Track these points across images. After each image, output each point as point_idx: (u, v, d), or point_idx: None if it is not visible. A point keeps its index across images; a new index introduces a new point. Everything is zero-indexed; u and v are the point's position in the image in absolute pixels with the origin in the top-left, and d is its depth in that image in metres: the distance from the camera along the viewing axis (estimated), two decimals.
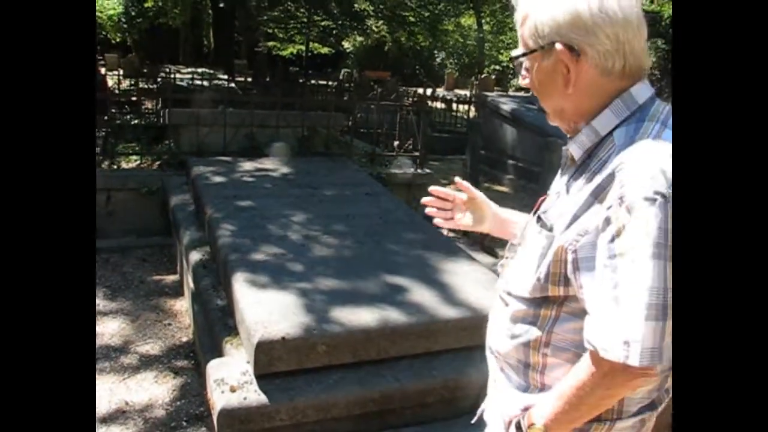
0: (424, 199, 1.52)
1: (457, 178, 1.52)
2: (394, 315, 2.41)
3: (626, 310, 0.94)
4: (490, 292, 2.63)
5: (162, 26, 17.76)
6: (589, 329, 1.01)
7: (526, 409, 1.14)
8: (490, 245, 4.56)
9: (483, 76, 20.45)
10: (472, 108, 10.78)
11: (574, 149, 1.12)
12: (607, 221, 0.98)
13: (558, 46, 1.05)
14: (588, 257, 1.01)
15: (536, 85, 1.13)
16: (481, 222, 1.49)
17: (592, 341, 0.99)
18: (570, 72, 1.06)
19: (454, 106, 12.40)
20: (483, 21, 22.73)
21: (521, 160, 7.91)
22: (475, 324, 2.51)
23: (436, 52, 24.34)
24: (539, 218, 1.15)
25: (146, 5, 14.16)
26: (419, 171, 5.83)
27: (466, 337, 2.49)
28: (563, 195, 1.13)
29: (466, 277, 2.86)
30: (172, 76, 11.57)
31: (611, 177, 1.00)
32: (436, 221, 1.52)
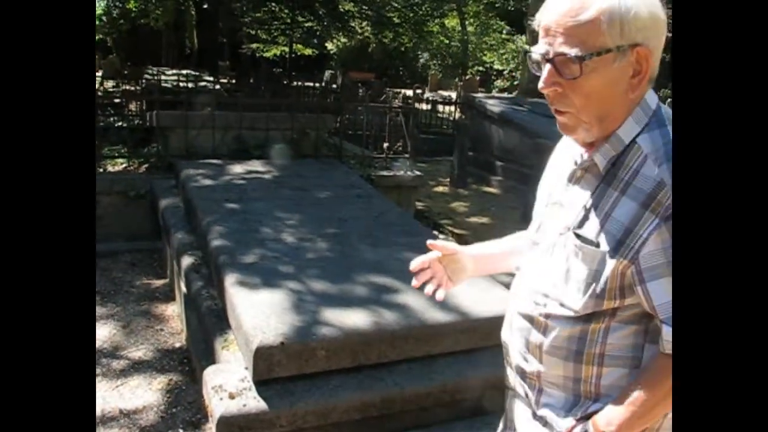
0: (415, 283, 1.43)
1: (429, 241, 1.42)
2: (393, 318, 2.40)
3: None
4: (487, 294, 2.66)
5: (144, 27, 17.59)
6: (670, 336, 1.02)
7: (583, 418, 1.14)
8: None
9: (467, 77, 20.52)
10: (458, 109, 10.81)
11: (599, 159, 1.10)
12: (670, 230, 1.00)
13: (641, 47, 1.02)
14: (652, 266, 1.02)
15: (589, 89, 1.04)
16: (462, 273, 1.43)
17: None
18: (641, 75, 1.05)
19: (440, 107, 12.42)
20: (467, 22, 22.80)
21: (509, 162, 7.94)
22: (473, 326, 2.52)
23: (419, 53, 24.36)
24: (578, 236, 1.11)
25: (128, 6, 14.02)
26: (409, 173, 5.83)
27: (464, 339, 2.49)
28: (595, 208, 1.10)
29: None
30: (158, 78, 11.46)
31: (661, 185, 1.01)
32: (438, 296, 1.41)
